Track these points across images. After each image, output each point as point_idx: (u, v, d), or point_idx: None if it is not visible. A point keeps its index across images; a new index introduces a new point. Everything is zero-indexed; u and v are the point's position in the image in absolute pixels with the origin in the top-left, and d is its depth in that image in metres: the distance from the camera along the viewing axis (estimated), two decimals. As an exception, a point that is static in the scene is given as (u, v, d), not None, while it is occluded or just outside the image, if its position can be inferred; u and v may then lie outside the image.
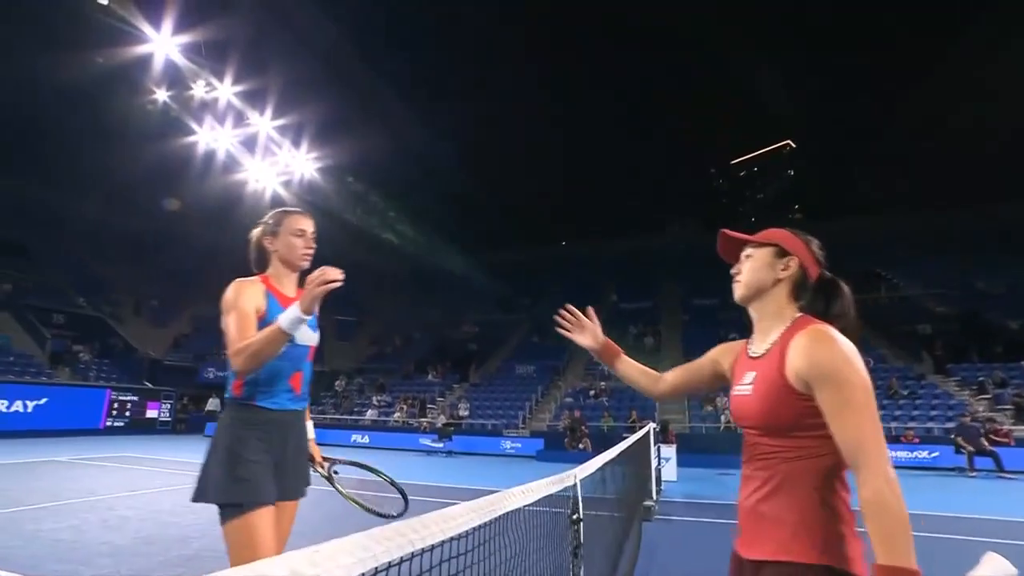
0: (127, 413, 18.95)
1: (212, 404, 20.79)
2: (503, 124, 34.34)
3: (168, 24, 20.38)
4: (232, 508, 1.61)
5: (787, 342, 1.18)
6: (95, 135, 26.90)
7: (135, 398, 19.39)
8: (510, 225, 39.28)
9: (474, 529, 1.21)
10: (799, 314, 1.27)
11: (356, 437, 17.28)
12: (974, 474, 10.53)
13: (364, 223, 35.03)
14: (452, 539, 1.12)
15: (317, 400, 22.27)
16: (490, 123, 33.99)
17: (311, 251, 1.94)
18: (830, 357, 1.09)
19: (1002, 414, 14.06)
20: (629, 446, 4.63)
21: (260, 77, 25.21)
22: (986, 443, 10.71)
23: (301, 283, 1.77)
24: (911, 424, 13.75)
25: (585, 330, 1.81)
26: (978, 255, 27.24)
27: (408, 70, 29.19)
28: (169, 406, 20.55)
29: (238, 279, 1.85)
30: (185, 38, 21.16)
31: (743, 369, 1.32)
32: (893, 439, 12.98)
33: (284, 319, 1.60)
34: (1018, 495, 8.48)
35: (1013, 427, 12.91)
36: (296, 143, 28.49)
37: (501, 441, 15.57)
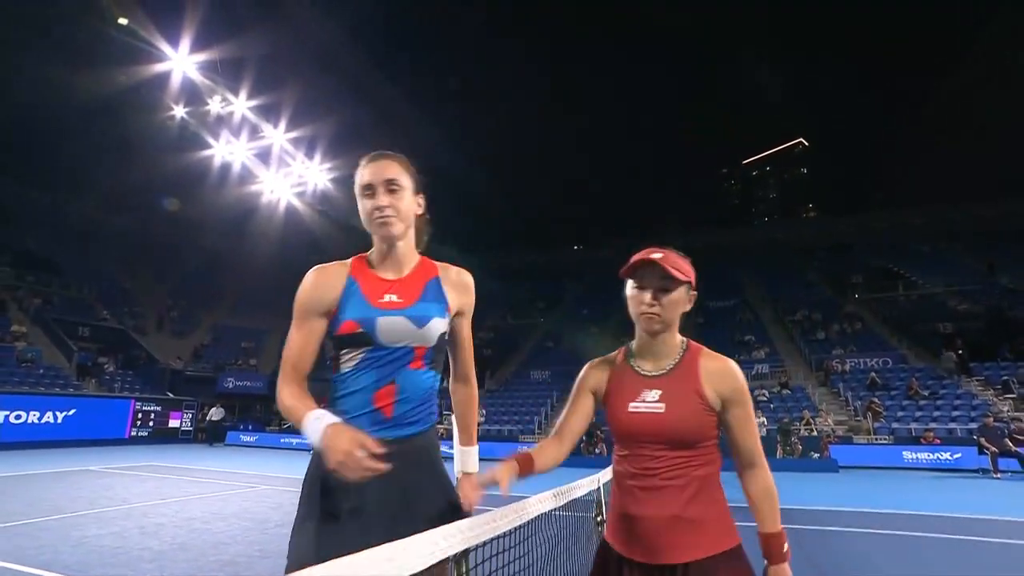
0: (150, 423, 19.40)
1: (216, 414, 20.60)
2: (517, 130, 34.73)
3: (185, 43, 21.00)
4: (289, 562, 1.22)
5: (695, 365, 1.32)
6: (118, 150, 27.76)
7: (158, 408, 19.84)
8: (524, 231, 39.60)
9: (513, 530, 1.34)
10: (682, 337, 1.39)
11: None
12: (998, 476, 10.38)
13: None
14: (494, 538, 1.26)
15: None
16: (504, 130, 34.36)
17: (385, 215, 1.31)
18: (743, 382, 1.31)
19: (1026, 413, 13.86)
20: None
21: (274, 91, 25.83)
22: (1011, 444, 10.57)
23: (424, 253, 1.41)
24: (932, 425, 13.59)
25: (505, 483, 1.46)
26: (1002, 251, 26.75)
27: (420, 80, 29.65)
28: (191, 415, 20.97)
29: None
30: (202, 56, 21.78)
31: (636, 387, 1.35)
32: (913, 440, 12.85)
33: (307, 423, 1.16)
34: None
35: (1039, 427, 12.74)
36: (310, 154, 29.10)
37: (518, 447, 15.68)
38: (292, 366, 1.30)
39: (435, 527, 0.98)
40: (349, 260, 1.39)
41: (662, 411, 1.30)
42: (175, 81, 22.60)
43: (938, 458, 11.95)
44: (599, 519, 2.10)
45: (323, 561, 0.92)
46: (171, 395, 21.43)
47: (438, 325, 1.31)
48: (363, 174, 1.34)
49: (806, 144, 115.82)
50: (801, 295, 27.08)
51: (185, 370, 25.42)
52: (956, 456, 11.79)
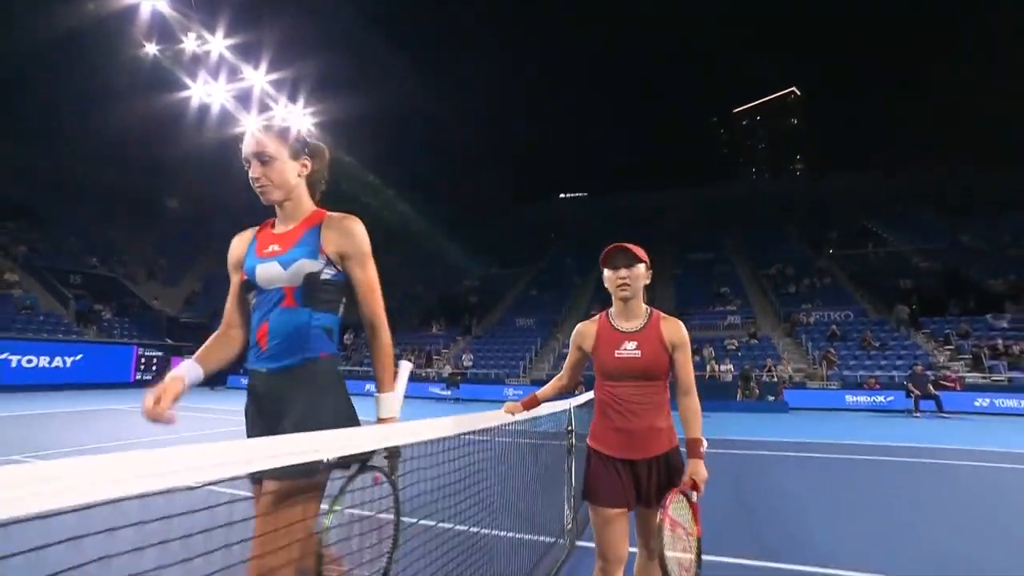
0: (154, 367, 20.30)
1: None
2: (503, 78, 34.14)
3: None
4: None
5: (658, 324, 1.97)
6: (89, 94, 26.90)
7: (160, 353, 20.69)
8: (510, 181, 39.62)
9: (495, 433, 2.28)
10: (646, 305, 2.05)
11: (369, 387, 18.67)
12: (918, 415, 11.95)
13: (362, 179, 35.34)
14: (483, 441, 2.18)
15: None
16: (491, 77, 33.77)
17: (260, 184, 1.48)
18: (686, 335, 1.99)
19: (962, 363, 15.41)
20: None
21: (254, 30, 24.99)
22: (932, 388, 12.05)
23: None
24: (877, 373, 15.09)
25: (511, 416, 2.21)
26: (969, 214, 28.01)
27: (408, 24, 28.79)
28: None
29: None
30: None
31: (619, 339, 1.97)
32: (856, 386, 14.36)
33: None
34: (945, 428, 9.94)
35: (967, 374, 14.28)
36: (293, 98, 28.54)
37: (504, 389, 16.98)
38: (224, 319, 1.58)
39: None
40: (260, 225, 1.60)
41: (639, 356, 1.92)
42: (144, 14, 21.87)
43: (874, 401, 13.52)
44: (569, 428, 3.06)
45: None
46: (170, 341, 22.24)
47: (305, 266, 1.42)
48: (242, 148, 1.50)
49: (798, 93, 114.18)
50: (778, 250, 28.12)
51: (180, 317, 26.09)
52: (889, 399, 13.34)
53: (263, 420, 1.43)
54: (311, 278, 1.42)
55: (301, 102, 28.85)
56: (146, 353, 20.09)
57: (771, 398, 13.91)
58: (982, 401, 12.94)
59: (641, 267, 1.98)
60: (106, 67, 25.10)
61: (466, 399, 16.49)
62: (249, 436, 1.40)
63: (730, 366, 16.62)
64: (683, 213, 34.91)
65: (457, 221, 37.66)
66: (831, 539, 3.45)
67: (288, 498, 1.27)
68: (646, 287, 2.02)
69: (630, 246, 1.97)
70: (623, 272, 1.96)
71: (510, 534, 2.48)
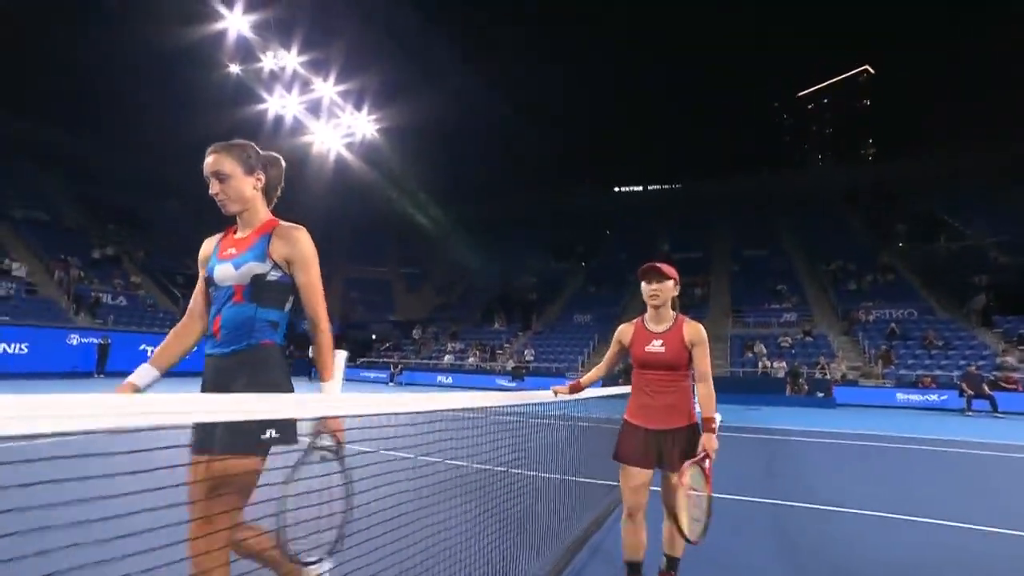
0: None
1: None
2: (560, 76, 34.88)
3: (240, 3, 22.62)
4: None
5: (681, 326, 2.42)
6: (181, 107, 29.84)
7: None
8: (565, 175, 40.08)
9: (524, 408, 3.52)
10: (675, 312, 2.50)
11: (441, 378, 20.53)
12: (970, 414, 12.13)
13: (423, 178, 37.07)
14: (504, 415, 3.43)
15: (400, 346, 25.72)
16: (548, 77, 34.61)
17: (219, 200, 1.67)
18: (704, 336, 2.42)
19: (1031, 364, 15.04)
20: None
21: (324, 46, 27.01)
22: (987, 388, 12.18)
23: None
24: (936, 372, 15.11)
25: (566, 393, 2.75)
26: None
27: (466, 25, 30.06)
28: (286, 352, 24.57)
29: None
30: (255, 16, 23.39)
31: (649, 337, 2.44)
32: (911, 384, 14.53)
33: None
34: (995, 425, 10.19)
35: (1032, 376, 14.09)
36: (358, 106, 30.66)
37: (565, 381, 18.15)
38: (188, 309, 1.75)
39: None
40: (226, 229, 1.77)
41: (664, 351, 2.38)
42: (230, 37, 24.48)
43: (926, 399, 13.71)
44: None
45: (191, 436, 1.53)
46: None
47: (252, 268, 1.62)
48: (205, 165, 1.66)
49: (871, 71, 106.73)
50: (840, 244, 27.29)
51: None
52: (943, 398, 13.50)
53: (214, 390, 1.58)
54: (258, 279, 1.62)
55: (365, 109, 31.09)
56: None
57: (820, 394, 14.38)
58: (1047, 404, 12.76)
59: (669, 283, 2.45)
60: (197, 83, 27.84)
61: (530, 389, 17.80)
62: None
63: (783, 363, 17.06)
64: (740, 206, 34.27)
65: (512, 217, 38.78)
66: (835, 487, 4.43)
67: (227, 476, 1.42)
68: (674, 298, 2.50)
69: (662, 266, 2.46)
70: (655, 285, 2.44)
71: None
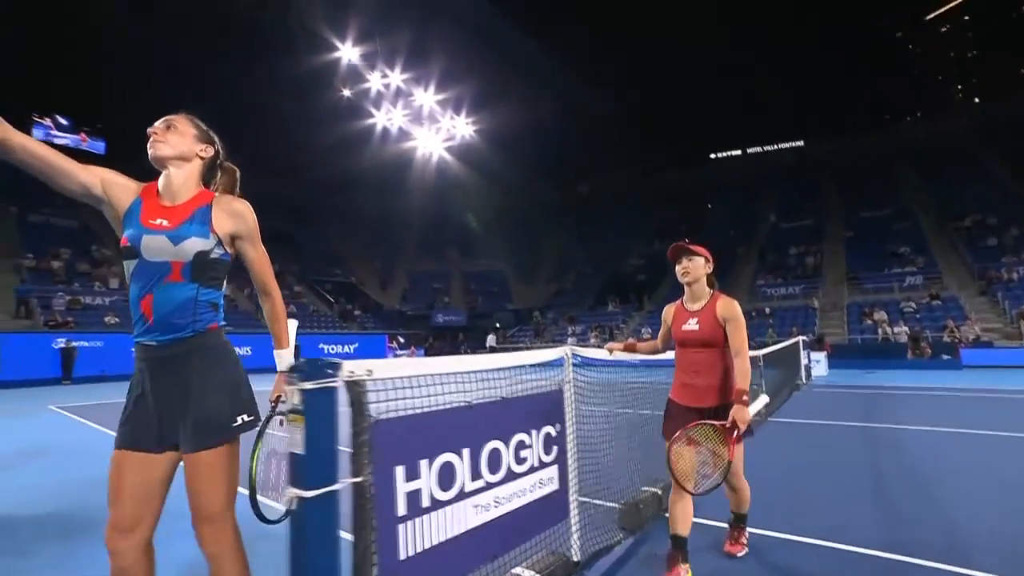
0: (398, 352, 27.02)
1: (491, 340, 26.49)
2: (660, 63, 34.84)
3: (351, 36, 26.24)
4: None
5: (715, 303, 2.47)
6: (306, 130, 33.25)
7: (403, 340, 27.39)
8: (652, 144, 39.44)
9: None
10: (711, 288, 2.56)
11: (572, 358, 22.85)
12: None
13: (523, 174, 38.82)
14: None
15: (518, 336, 28.20)
16: (645, 65, 34.80)
17: (153, 138, 1.58)
18: (737, 312, 2.44)
19: None
20: (777, 349, 8.57)
21: (424, 62, 29.59)
22: None
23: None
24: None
25: (610, 353, 2.89)
26: None
27: (562, 29, 31.24)
28: (424, 347, 28.35)
29: None
30: (364, 47, 26.87)
31: (686, 316, 2.51)
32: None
33: None
34: None
35: None
36: (456, 110, 33.28)
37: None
38: (80, 165, 1.58)
39: (206, 409, 1.47)
40: (143, 184, 1.63)
41: (698, 329, 2.47)
42: (343, 66, 28.10)
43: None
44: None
45: (122, 432, 1.51)
46: (403, 331, 29.04)
47: (195, 244, 1.51)
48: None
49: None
50: (976, 196, 24.90)
51: (406, 311, 33.10)
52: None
53: (155, 397, 1.53)
54: (201, 256, 1.52)
55: (464, 113, 33.67)
56: (397, 338, 26.89)
57: (946, 356, 14.56)
58: None
59: (700, 260, 2.49)
60: (315, 106, 31.31)
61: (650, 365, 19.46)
62: (134, 411, 1.55)
63: (905, 328, 17.16)
64: (854, 165, 32.24)
65: (613, 204, 39.66)
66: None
67: (225, 454, 1.55)
68: (710, 275, 2.55)
69: (690, 245, 2.51)
70: (684, 263, 2.49)
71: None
